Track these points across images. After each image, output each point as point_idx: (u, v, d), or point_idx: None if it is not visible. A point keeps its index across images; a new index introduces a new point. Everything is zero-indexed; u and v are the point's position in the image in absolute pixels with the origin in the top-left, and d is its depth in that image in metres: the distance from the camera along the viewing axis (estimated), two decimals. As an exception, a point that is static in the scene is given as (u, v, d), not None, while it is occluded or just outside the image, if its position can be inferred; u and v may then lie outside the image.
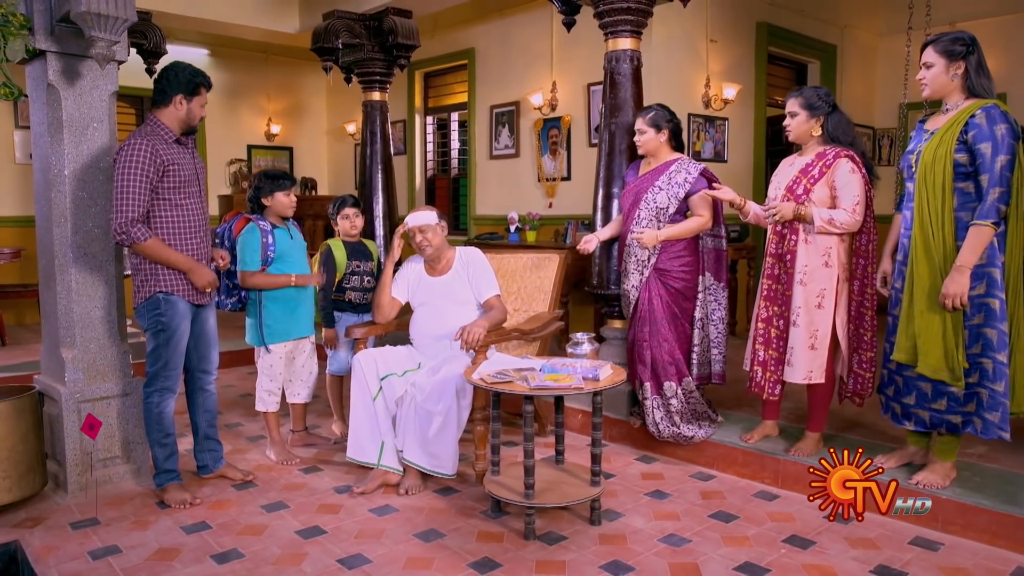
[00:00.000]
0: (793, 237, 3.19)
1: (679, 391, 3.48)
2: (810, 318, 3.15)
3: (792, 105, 3.21)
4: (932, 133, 2.80)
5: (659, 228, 3.46)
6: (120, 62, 3.27)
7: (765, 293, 3.29)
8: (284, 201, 3.64)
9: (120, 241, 2.94)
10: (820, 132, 3.17)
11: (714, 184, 3.40)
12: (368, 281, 4.04)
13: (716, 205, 3.52)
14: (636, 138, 3.57)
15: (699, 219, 3.47)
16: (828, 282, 3.14)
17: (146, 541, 2.79)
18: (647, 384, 3.48)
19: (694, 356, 3.53)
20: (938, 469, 2.91)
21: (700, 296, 3.52)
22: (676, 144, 3.57)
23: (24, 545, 2.78)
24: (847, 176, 3.07)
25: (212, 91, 3.24)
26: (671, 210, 3.46)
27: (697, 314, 3.52)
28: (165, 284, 3.05)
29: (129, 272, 4.52)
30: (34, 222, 3.45)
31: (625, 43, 3.96)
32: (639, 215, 3.52)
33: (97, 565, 2.61)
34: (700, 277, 3.53)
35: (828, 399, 3.30)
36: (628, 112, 3.98)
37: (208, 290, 3.12)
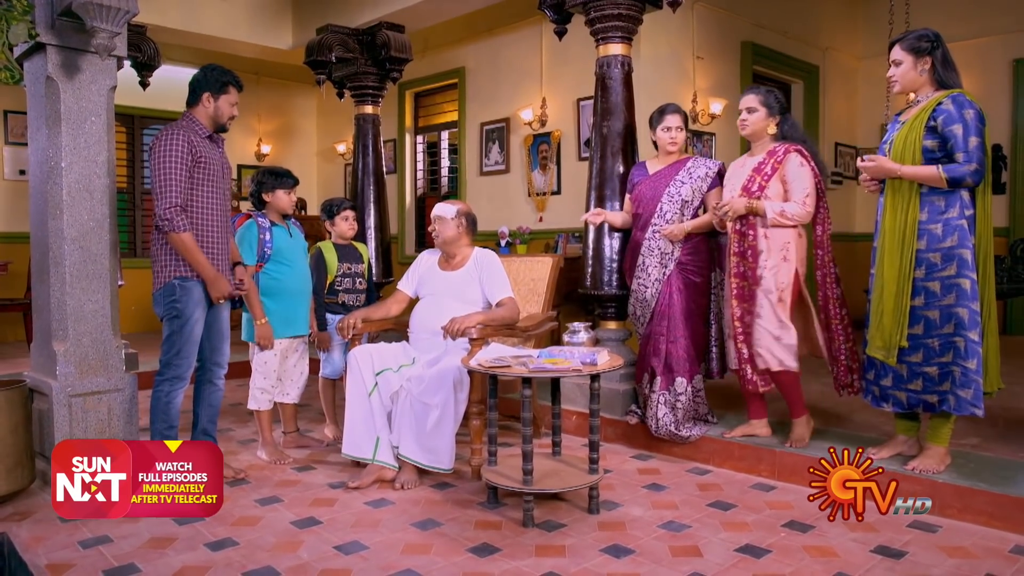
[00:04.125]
0: (751, 233, 3.27)
1: (688, 388, 3.49)
2: (773, 311, 3.22)
3: (751, 101, 3.30)
4: (904, 123, 2.92)
5: (683, 221, 3.54)
6: (120, 58, 3.30)
7: (735, 292, 3.34)
8: (284, 199, 3.67)
9: (163, 227, 3.00)
10: (775, 131, 3.29)
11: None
12: (360, 283, 4.06)
13: None
14: (672, 135, 3.60)
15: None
16: (788, 275, 3.22)
17: (138, 532, 2.73)
18: (659, 378, 3.49)
19: (713, 350, 3.60)
20: (932, 454, 2.93)
21: (714, 292, 3.59)
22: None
23: (12, 537, 2.73)
24: (797, 169, 3.18)
25: None
26: (695, 203, 3.55)
27: (713, 308, 3.60)
28: (184, 269, 3.08)
29: (123, 283, 4.53)
30: (23, 238, 3.46)
31: (616, 48, 4.05)
32: (662, 208, 3.57)
33: (87, 553, 2.56)
34: (712, 273, 3.60)
35: (797, 382, 3.31)
36: (620, 116, 4.05)
37: (220, 301, 3.16)
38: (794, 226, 3.20)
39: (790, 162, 3.20)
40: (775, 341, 3.22)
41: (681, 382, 3.47)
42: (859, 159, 3.01)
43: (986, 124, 2.79)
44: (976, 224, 2.82)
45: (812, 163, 3.20)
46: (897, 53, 2.92)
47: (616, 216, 3.88)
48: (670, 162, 3.63)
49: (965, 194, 2.81)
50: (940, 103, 2.80)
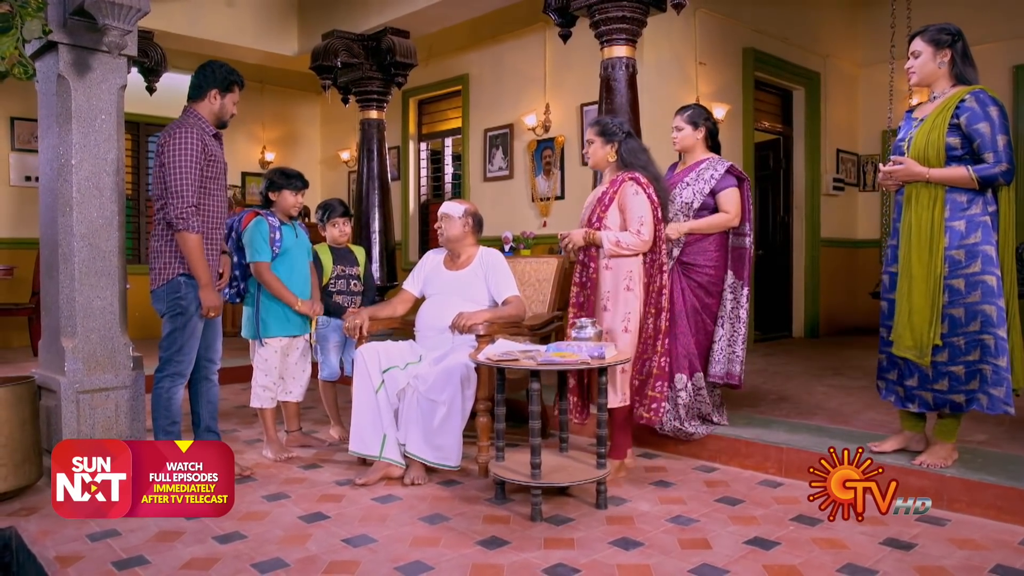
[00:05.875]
0: (592, 264, 3.23)
1: (689, 385, 3.48)
2: (617, 343, 3.16)
3: (588, 133, 3.31)
4: (922, 120, 2.91)
5: (683, 222, 3.51)
6: (130, 57, 3.33)
7: (572, 321, 3.24)
8: (290, 200, 3.69)
9: (178, 226, 3.01)
10: (615, 158, 3.25)
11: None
12: (355, 285, 4.08)
13: (744, 203, 3.55)
14: (673, 135, 3.63)
15: (724, 215, 3.50)
16: (631, 305, 3.18)
17: (146, 525, 2.73)
18: None
19: (717, 352, 3.53)
20: (939, 450, 2.92)
21: (724, 293, 3.56)
22: (712, 144, 3.63)
23: (20, 531, 2.73)
24: (632, 198, 3.14)
25: None
26: (696, 205, 3.50)
27: (721, 311, 3.56)
28: (189, 267, 3.08)
29: (129, 286, 4.54)
30: (29, 243, 3.48)
31: (620, 50, 4.09)
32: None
33: (96, 546, 2.56)
34: (724, 274, 3.57)
35: (629, 420, 3.27)
36: (624, 117, 4.08)
37: (211, 315, 3.15)
38: (634, 255, 3.16)
39: (625, 191, 3.16)
40: (620, 374, 3.15)
41: (681, 378, 3.46)
42: (883, 163, 2.96)
43: (1008, 120, 2.78)
44: (1000, 221, 2.81)
45: (649, 190, 3.14)
46: (917, 45, 2.92)
47: None
48: (689, 163, 3.63)
49: (988, 190, 2.81)
50: (963, 100, 2.78)
